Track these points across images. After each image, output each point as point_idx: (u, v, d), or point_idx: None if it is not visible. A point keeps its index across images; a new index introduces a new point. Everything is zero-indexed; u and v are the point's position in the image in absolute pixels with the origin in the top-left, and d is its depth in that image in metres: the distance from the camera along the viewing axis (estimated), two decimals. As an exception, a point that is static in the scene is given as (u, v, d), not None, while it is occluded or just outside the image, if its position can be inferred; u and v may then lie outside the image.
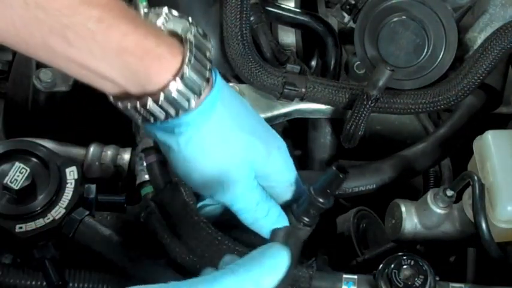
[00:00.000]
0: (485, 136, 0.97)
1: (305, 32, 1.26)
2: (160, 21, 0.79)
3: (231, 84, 1.13)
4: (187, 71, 0.76)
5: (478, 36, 1.12)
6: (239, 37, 1.10)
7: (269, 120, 1.13)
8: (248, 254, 0.62)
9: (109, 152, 1.11)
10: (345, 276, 0.92)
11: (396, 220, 1.03)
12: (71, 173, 0.98)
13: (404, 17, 1.09)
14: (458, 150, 1.12)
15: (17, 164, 0.96)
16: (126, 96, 0.78)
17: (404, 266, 0.89)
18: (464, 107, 1.13)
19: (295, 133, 1.24)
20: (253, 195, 0.85)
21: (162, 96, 0.75)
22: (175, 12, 0.81)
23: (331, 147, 1.19)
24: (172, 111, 0.77)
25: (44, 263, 0.95)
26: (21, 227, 0.93)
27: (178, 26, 0.79)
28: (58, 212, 0.95)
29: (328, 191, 0.86)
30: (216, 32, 1.15)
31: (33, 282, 0.96)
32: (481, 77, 1.06)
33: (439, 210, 0.99)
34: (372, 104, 1.06)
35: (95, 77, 0.76)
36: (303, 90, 1.10)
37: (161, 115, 0.77)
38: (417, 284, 0.88)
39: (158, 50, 0.75)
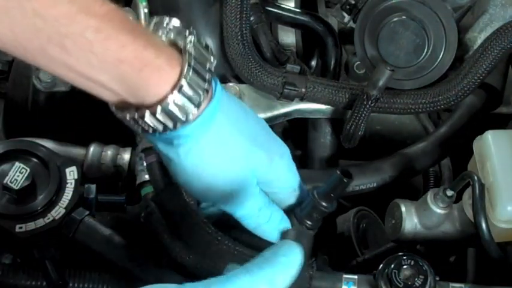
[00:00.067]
0: (485, 136, 0.97)
1: (305, 32, 1.26)
2: (161, 32, 0.79)
3: (230, 84, 1.13)
4: (185, 83, 0.75)
5: (478, 36, 1.13)
6: (239, 37, 1.10)
7: (269, 120, 1.13)
8: (261, 253, 0.62)
9: (109, 152, 1.10)
10: (345, 276, 0.92)
11: (396, 220, 1.03)
12: (71, 173, 0.98)
13: (404, 17, 1.09)
14: (458, 150, 1.12)
15: (17, 164, 0.96)
16: (125, 105, 0.78)
17: (404, 266, 0.89)
18: (465, 106, 1.13)
19: (295, 133, 1.24)
20: (255, 203, 0.85)
21: (159, 108, 0.75)
22: (176, 23, 0.80)
23: (331, 147, 1.19)
24: (170, 124, 0.76)
25: (44, 263, 0.95)
26: (21, 227, 0.93)
27: (179, 37, 0.79)
28: (58, 212, 0.95)
29: (332, 195, 0.86)
30: (216, 32, 1.15)
31: (33, 282, 0.96)
32: (481, 77, 1.06)
33: (439, 210, 0.99)
34: (372, 104, 1.06)
35: (93, 85, 0.76)
36: (303, 90, 1.10)
37: (159, 127, 0.77)
38: (417, 284, 0.88)
39: (157, 61, 0.74)
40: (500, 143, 0.96)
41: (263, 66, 1.10)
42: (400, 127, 1.28)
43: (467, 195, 0.98)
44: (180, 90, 0.75)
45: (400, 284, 0.88)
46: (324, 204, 0.86)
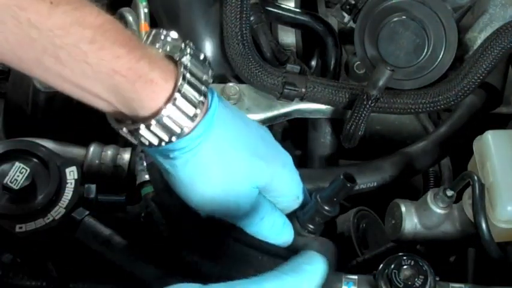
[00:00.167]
0: (485, 136, 0.97)
1: (305, 32, 1.26)
2: (158, 44, 0.79)
3: (230, 84, 1.13)
4: (178, 96, 0.75)
5: (478, 36, 1.13)
6: (239, 37, 1.10)
7: (269, 120, 1.13)
8: (287, 262, 0.64)
9: (109, 152, 1.10)
10: (345, 276, 0.92)
11: (396, 220, 1.03)
12: (71, 173, 0.98)
13: (404, 17, 1.09)
14: (458, 150, 1.12)
15: (17, 164, 0.96)
16: (121, 116, 0.78)
17: (404, 266, 0.89)
18: (465, 106, 1.13)
19: (295, 133, 1.24)
20: (258, 214, 0.85)
21: (153, 121, 0.75)
22: (174, 35, 0.80)
23: (331, 147, 1.20)
24: (165, 137, 0.76)
25: (44, 263, 0.94)
26: (21, 227, 0.93)
27: (175, 49, 0.78)
28: (58, 212, 0.95)
29: (335, 199, 0.86)
30: (216, 32, 1.15)
31: (33, 282, 0.96)
32: (481, 77, 1.06)
33: (439, 210, 0.99)
34: (372, 104, 1.06)
35: (89, 96, 0.76)
36: (303, 90, 1.09)
37: (154, 140, 0.77)
38: (417, 284, 0.88)
39: (151, 74, 0.74)
40: (500, 143, 0.96)
41: (263, 66, 1.10)
42: (400, 127, 1.28)
43: (467, 195, 0.98)
44: (174, 103, 0.75)
45: (400, 284, 0.88)
46: (326, 208, 0.87)
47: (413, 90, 1.09)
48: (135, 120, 0.77)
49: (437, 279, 0.89)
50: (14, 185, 0.94)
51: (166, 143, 0.77)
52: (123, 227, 0.97)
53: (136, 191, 1.00)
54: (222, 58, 1.14)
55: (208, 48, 1.16)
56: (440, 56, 1.09)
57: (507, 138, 0.97)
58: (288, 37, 1.28)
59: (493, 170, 0.94)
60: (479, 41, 1.11)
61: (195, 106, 0.76)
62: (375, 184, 1.09)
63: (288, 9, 1.24)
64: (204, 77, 0.78)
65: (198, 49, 0.80)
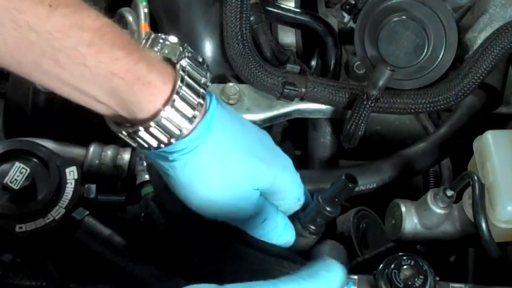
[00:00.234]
0: (485, 136, 0.97)
1: (305, 32, 1.26)
2: (156, 47, 0.79)
3: (230, 84, 1.13)
4: (177, 98, 0.75)
5: (478, 36, 1.12)
6: (239, 37, 1.10)
7: (269, 120, 1.13)
8: (304, 268, 0.65)
9: (109, 152, 1.10)
10: (345, 276, 0.92)
11: (396, 220, 1.03)
12: (71, 173, 0.98)
13: (404, 17, 1.09)
14: (458, 150, 1.12)
15: (17, 164, 0.96)
16: (120, 119, 0.78)
17: (404, 266, 0.89)
18: (465, 106, 1.13)
19: (295, 133, 1.24)
20: (259, 216, 0.86)
21: (152, 124, 0.75)
22: (173, 39, 0.80)
23: (331, 147, 1.19)
24: (164, 139, 0.77)
25: (44, 263, 0.94)
26: (21, 227, 0.93)
27: (173, 52, 0.79)
28: (58, 212, 0.95)
29: (337, 200, 0.86)
30: (216, 32, 1.15)
31: (33, 282, 0.96)
32: (481, 77, 1.06)
33: (439, 210, 0.99)
34: (372, 104, 1.06)
35: (88, 99, 0.76)
36: (303, 90, 1.09)
37: (153, 143, 0.77)
38: (417, 284, 0.88)
39: (149, 76, 0.75)
40: (500, 143, 0.96)
41: (263, 66, 1.10)
42: (400, 127, 1.28)
43: (467, 195, 0.98)
44: (172, 105, 0.75)
45: (400, 284, 0.88)
46: (328, 209, 0.87)
47: (413, 90, 1.09)
48: (133, 123, 0.77)
49: (437, 279, 0.89)
50: (14, 185, 0.94)
51: (165, 145, 0.77)
52: (123, 227, 0.97)
53: (136, 191, 1.00)
54: (222, 58, 1.14)
55: (208, 48, 1.16)
56: (440, 56, 1.09)
57: (507, 138, 0.97)
58: (288, 37, 1.28)
59: (493, 170, 0.94)
60: (479, 41, 1.11)
61: (193, 108, 0.77)
62: (374, 185, 1.09)
63: (288, 9, 1.24)
64: (202, 80, 0.79)
65: (196, 51, 0.80)
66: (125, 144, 1.11)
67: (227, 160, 0.81)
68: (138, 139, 0.77)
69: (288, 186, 0.87)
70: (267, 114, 1.13)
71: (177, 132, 0.76)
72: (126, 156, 1.10)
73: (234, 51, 1.10)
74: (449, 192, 0.98)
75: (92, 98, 0.76)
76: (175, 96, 0.75)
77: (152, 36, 0.80)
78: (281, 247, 0.89)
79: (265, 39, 1.16)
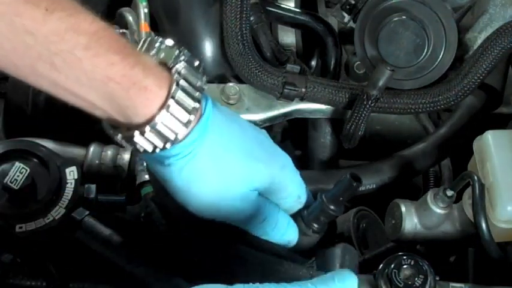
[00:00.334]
0: (485, 136, 0.97)
1: (305, 32, 1.26)
2: (152, 52, 0.79)
3: (230, 84, 1.13)
4: (172, 103, 0.75)
5: (478, 36, 1.13)
6: (239, 37, 1.10)
7: (269, 120, 1.13)
8: (319, 277, 0.67)
9: (109, 152, 1.10)
10: (345, 276, 0.92)
11: (396, 220, 1.03)
12: (71, 173, 0.98)
13: (404, 17, 1.09)
14: (458, 150, 1.12)
15: (17, 164, 0.96)
16: (116, 123, 0.78)
17: (404, 266, 0.89)
18: (464, 107, 1.13)
19: (295, 133, 1.24)
20: (258, 216, 0.85)
21: (147, 128, 0.75)
22: (169, 43, 0.80)
23: (331, 147, 1.19)
24: (159, 143, 0.76)
25: (44, 263, 0.94)
26: (21, 227, 0.93)
27: (169, 56, 0.79)
28: (58, 212, 0.95)
29: (341, 198, 0.86)
30: (216, 32, 1.15)
31: (33, 282, 0.96)
32: (481, 77, 1.06)
33: (439, 210, 0.99)
34: (372, 104, 1.06)
35: (84, 103, 0.76)
36: (303, 90, 1.09)
37: (149, 147, 0.77)
38: (417, 284, 0.87)
39: (145, 81, 0.74)
40: (500, 143, 0.96)
41: (263, 66, 1.10)
42: (400, 127, 1.28)
43: (467, 195, 0.98)
44: (168, 109, 0.75)
45: (400, 284, 0.88)
46: (332, 207, 0.87)
47: (413, 90, 1.09)
48: (129, 127, 0.77)
49: (437, 279, 0.89)
50: (14, 185, 0.94)
51: (161, 149, 0.77)
52: (123, 227, 0.97)
53: (136, 191, 1.00)
54: (222, 58, 1.14)
55: (208, 48, 1.16)
56: (440, 56, 1.09)
57: (507, 138, 0.97)
58: (288, 37, 1.28)
59: (493, 170, 0.94)
60: (479, 41, 1.11)
61: (189, 112, 0.77)
62: (374, 186, 1.09)
63: (288, 9, 1.24)
64: (198, 83, 0.78)
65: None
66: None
67: (224, 163, 0.81)
68: (133, 143, 0.77)
69: (287, 185, 0.87)
70: (267, 114, 1.13)
71: (172, 136, 0.76)
72: (126, 156, 1.10)
73: (234, 51, 1.10)
74: (449, 192, 0.98)
75: (88, 103, 0.76)
76: (170, 101, 0.75)
77: (149, 39, 0.80)
78: (283, 246, 0.89)
79: (265, 39, 1.16)
